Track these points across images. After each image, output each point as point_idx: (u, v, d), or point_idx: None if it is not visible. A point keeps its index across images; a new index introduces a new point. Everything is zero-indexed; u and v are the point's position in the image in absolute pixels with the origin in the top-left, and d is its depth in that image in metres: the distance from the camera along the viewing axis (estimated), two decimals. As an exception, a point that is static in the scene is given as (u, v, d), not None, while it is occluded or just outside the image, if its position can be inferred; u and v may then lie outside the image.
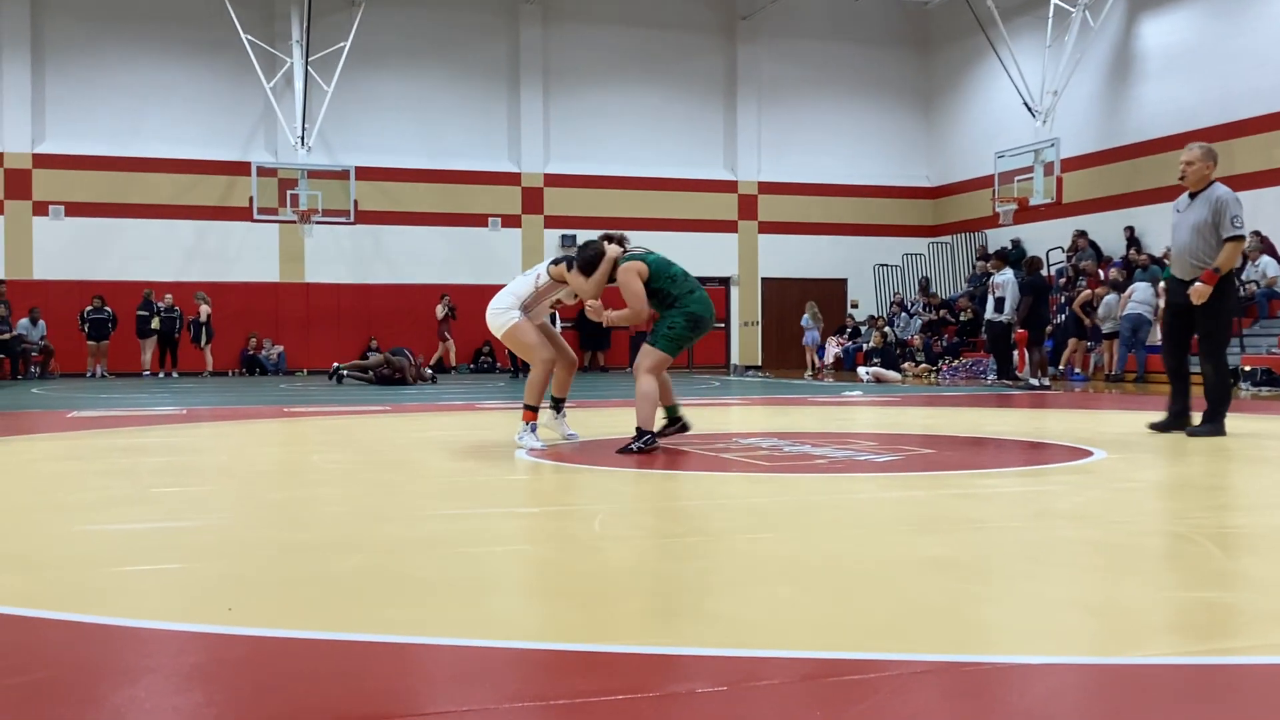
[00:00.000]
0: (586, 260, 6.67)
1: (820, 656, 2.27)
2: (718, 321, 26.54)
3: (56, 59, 22.80)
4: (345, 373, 18.06)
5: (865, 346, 23.15)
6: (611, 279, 6.79)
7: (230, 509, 4.55)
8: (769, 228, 26.94)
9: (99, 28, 22.97)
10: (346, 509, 4.55)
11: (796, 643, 2.38)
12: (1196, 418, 7.45)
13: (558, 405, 7.27)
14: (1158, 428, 7.52)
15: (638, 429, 6.47)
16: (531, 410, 6.86)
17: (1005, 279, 15.86)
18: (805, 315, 23.58)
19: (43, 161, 22.61)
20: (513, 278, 7.37)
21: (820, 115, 27.20)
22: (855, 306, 27.26)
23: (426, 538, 3.74)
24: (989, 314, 16.20)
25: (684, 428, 6.95)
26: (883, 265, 27.41)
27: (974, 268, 24.94)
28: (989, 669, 2.20)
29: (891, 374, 19.39)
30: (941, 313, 23.93)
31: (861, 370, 19.91)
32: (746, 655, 2.27)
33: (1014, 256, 21.28)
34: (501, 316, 6.98)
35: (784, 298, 27.14)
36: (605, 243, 6.80)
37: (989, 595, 2.91)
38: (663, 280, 6.61)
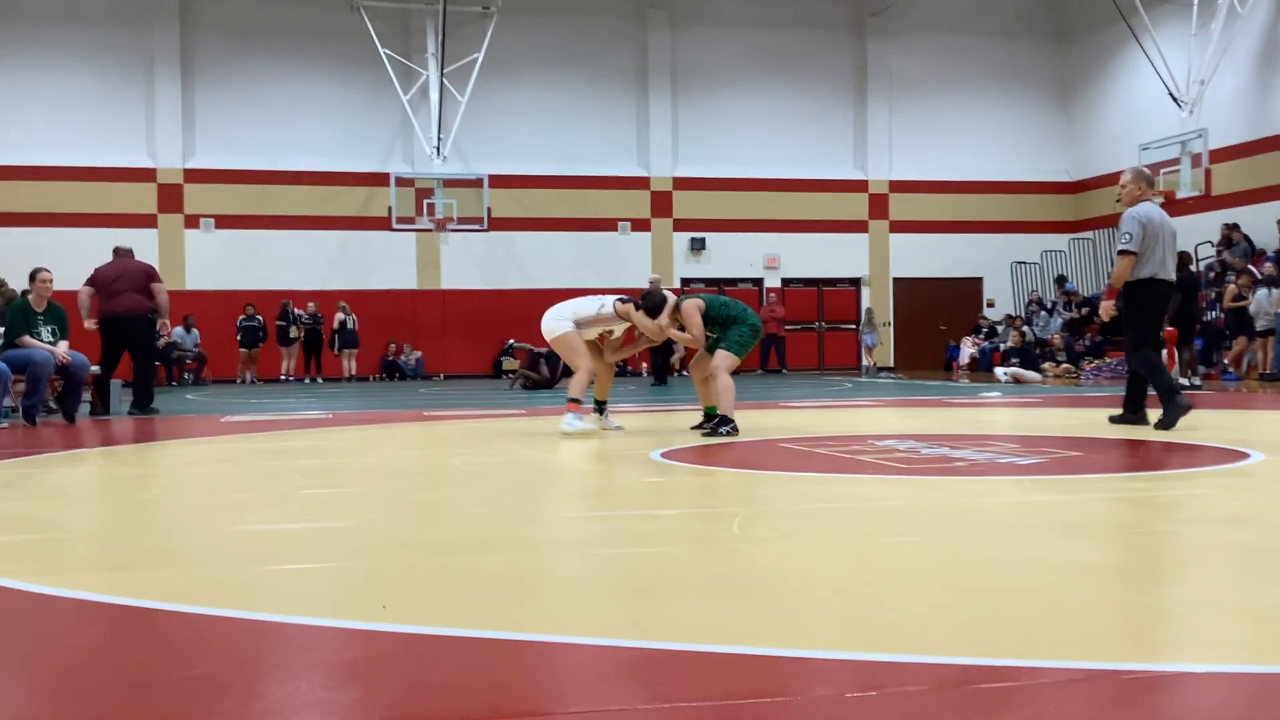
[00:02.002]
0: (654, 305, 8.22)
1: (969, 663, 2.22)
2: (849, 323, 26.48)
3: (205, 76, 23.76)
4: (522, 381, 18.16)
5: (1002, 346, 22.63)
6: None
7: (378, 509, 4.68)
8: (901, 227, 26.54)
9: (244, 45, 23.86)
10: (487, 510, 4.64)
11: (943, 648, 2.34)
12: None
13: (601, 407, 8.60)
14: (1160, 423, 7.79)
15: (722, 417, 7.84)
16: (575, 402, 8.06)
17: (1152, 275, 15.31)
18: (862, 320, 25.35)
19: (193, 176, 23.58)
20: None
21: (953, 110, 26.69)
22: (991, 305, 26.67)
23: (566, 539, 3.79)
24: (1135, 311, 15.65)
25: (715, 428, 7.97)
26: (1020, 263, 26.76)
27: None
28: (1148, 678, 2.13)
29: (1031, 374, 18.92)
30: (1084, 311, 23.23)
31: (999, 371, 19.46)
32: (892, 660, 2.24)
33: (1160, 252, 20.52)
34: (558, 324, 8.31)
35: (916, 298, 26.71)
36: (665, 290, 8.43)
37: (1144, 601, 2.82)
38: (719, 309, 8.17)
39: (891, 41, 26.38)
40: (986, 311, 26.32)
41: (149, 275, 12.08)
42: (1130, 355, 8.10)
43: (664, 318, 8.19)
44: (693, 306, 8.10)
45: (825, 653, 2.30)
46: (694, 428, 8.25)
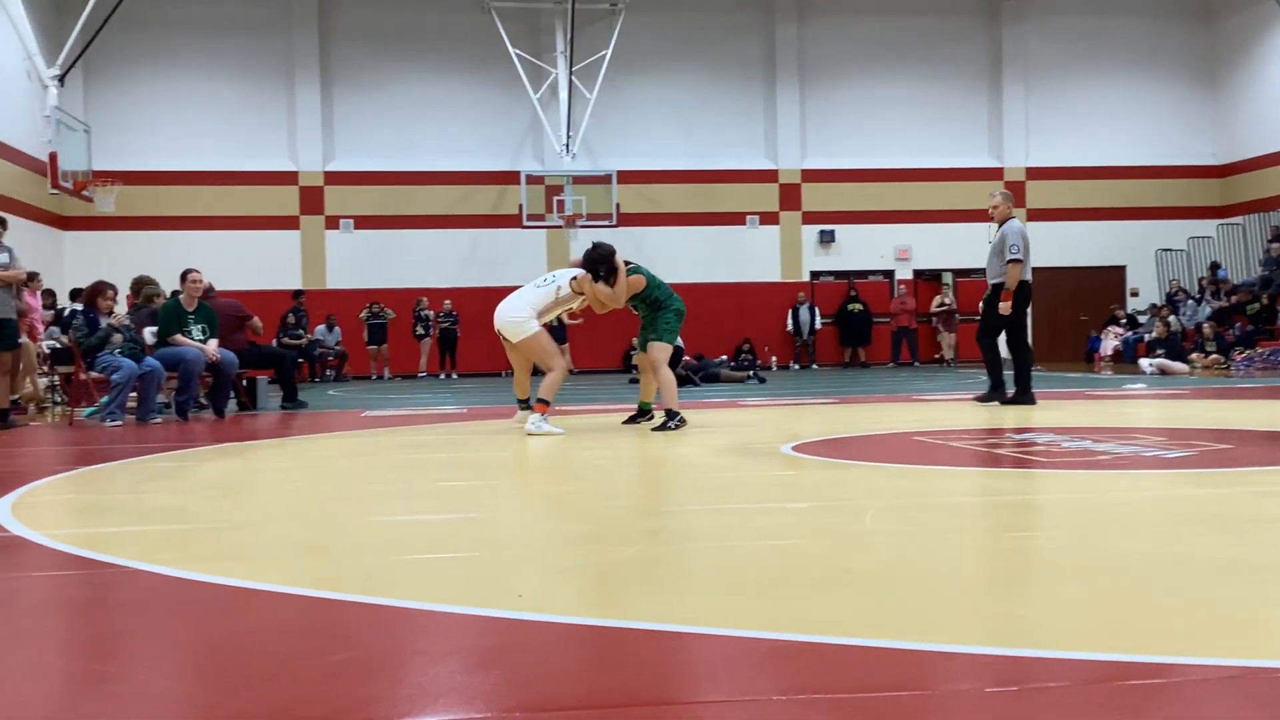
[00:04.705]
0: (603, 258, 7.92)
1: (1112, 659, 2.16)
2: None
3: (343, 82, 24.43)
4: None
5: (1147, 337, 21.87)
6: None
7: (512, 502, 4.77)
8: (1038, 215, 25.79)
9: (379, 51, 24.45)
10: (619, 502, 4.68)
11: (1085, 644, 2.28)
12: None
13: (525, 404, 8.45)
14: (981, 399, 10.26)
15: (669, 411, 7.86)
16: (545, 404, 7.90)
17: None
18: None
19: (333, 179, 24.28)
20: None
21: (1093, 94, 25.85)
22: (1135, 295, 25.78)
23: (697, 531, 3.80)
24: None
25: (651, 419, 8.36)
26: (1165, 250, 25.81)
27: (1269, 250, 23.12)
28: (1305, 678, 2.04)
29: (1178, 365, 18.25)
30: (1233, 299, 22.29)
31: (1144, 362, 18.82)
32: (1030, 655, 2.19)
33: (1316, 236, 19.58)
34: (521, 325, 8.08)
35: (1056, 288, 25.94)
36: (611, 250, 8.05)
37: (1301, 600, 2.70)
38: (654, 289, 8.17)
39: (1028, 25, 25.68)
40: (1130, 301, 25.44)
41: (239, 315, 12.41)
42: (1019, 346, 10.19)
43: (619, 291, 7.99)
44: (636, 282, 8.07)
45: (962, 647, 2.26)
46: (625, 422, 8.19)
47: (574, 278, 8.20)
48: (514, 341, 8.20)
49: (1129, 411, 9.38)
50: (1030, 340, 10.53)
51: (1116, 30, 25.81)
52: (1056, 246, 25.73)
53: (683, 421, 7.87)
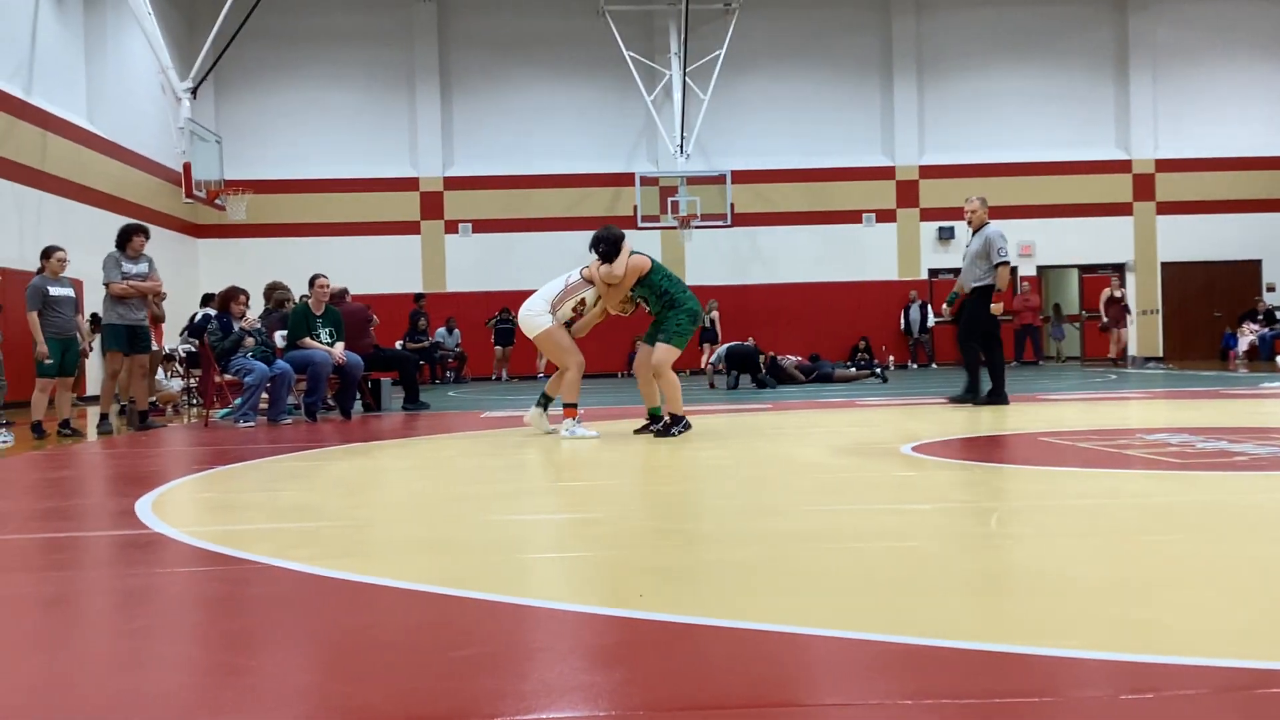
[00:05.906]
0: (611, 240, 7.59)
1: (1254, 666, 2.09)
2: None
3: (461, 89, 24.86)
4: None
5: (1286, 333, 20.99)
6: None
7: (630, 501, 4.79)
8: (1168, 208, 25.01)
9: (496, 57, 24.82)
10: (736, 503, 4.67)
11: (1223, 651, 2.20)
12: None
13: (547, 403, 8.11)
14: (955, 400, 10.45)
15: (673, 415, 7.47)
16: (572, 408, 7.68)
17: None
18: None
19: (452, 184, 24.72)
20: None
21: (1224, 82, 24.93)
22: (1272, 290, 24.77)
23: (816, 531, 3.77)
24: None
25: (666, 428, 7.66)
26: (1305, 243, 24.75)
27: None
28: None
29: (1319, 363, 17.46)
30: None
31: (1282, 359, 18.08)
32: (1166, 662, 2.13)
33: None
34: (534, 320, 7.80)
35: (1186, 283, 25.11)
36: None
37: None
38: (663, 279, 7.64)
39: (1155, 12, 24.89)
40: (1266, 296, 24.46)
41: (367, 320, 12.75)
42: (986, 346, 10.23)
43: (619, 264, 7.59)
44: (637, 266, 7.58)
45: (1092, 653, 2.20)
46: (637, 431, 7.83)
47: (586, 266, 7.99)
48: (532, 339, 7.96)
49: (1267, 411, 9.02)
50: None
51: (1248, 14, 24.86)
52: (1188, 240, 24.90)
53: (687, 426, 7.54)
